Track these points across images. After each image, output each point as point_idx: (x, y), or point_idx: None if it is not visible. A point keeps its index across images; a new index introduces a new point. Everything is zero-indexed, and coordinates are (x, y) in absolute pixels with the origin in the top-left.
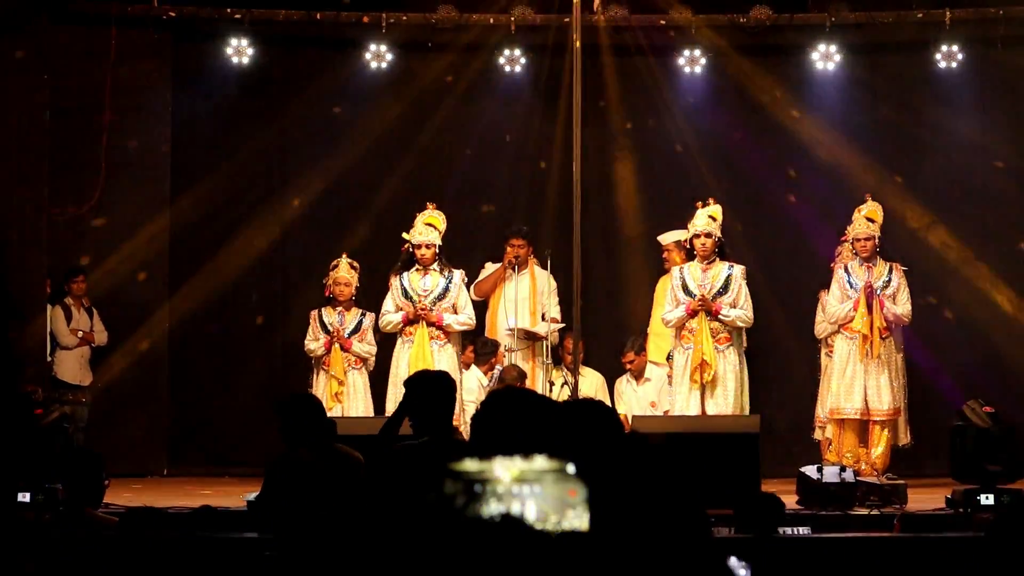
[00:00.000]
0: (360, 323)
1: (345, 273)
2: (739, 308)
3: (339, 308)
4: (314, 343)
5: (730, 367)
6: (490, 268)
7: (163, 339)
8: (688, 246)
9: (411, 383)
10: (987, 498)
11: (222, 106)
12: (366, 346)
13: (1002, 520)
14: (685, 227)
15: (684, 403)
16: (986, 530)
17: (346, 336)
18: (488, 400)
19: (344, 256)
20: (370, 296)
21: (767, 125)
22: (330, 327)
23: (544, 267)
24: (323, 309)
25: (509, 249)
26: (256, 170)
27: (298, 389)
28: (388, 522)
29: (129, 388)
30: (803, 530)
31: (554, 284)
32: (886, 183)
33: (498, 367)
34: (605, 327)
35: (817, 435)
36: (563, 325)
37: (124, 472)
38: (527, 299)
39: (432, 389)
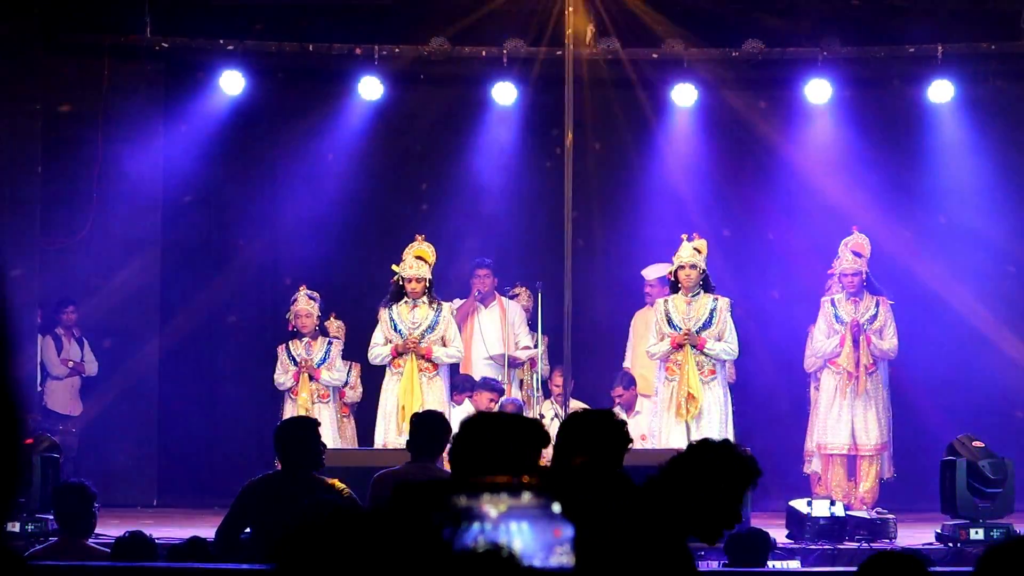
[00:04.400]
0: (328, 352)
1: (305, 305)
2: (724, 341)
3: (305, 339)
4: (283, 376)
5: (715, 400)
6: (459, 304)
7: (153, 370)
8: (672, 278)
9: (413, 420)
10: (977, 533)
11: (214, 137)
12: (335, 374)
13: (991, 555)
14: (668, 261)
15: (670, 435)
16: (975, 565)
17: (316, 366)
18: (463, 426)
19: (302, 288)
20: (359, 329)
21: (758, 158)
22: (298, 359)
23: (536, 298)
24: (290, 343)
25: (474, 281)
26: (247, 201)
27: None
28: (372, 550)
29: (119, 419)
30: (793, 564)
31: (524, 316)
32: (877, 216)
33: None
34: (595, 360)
35: (806, 469)
36: (538, 350)
37: (113, 503)
38: (498, 331)
39: (431, 426)
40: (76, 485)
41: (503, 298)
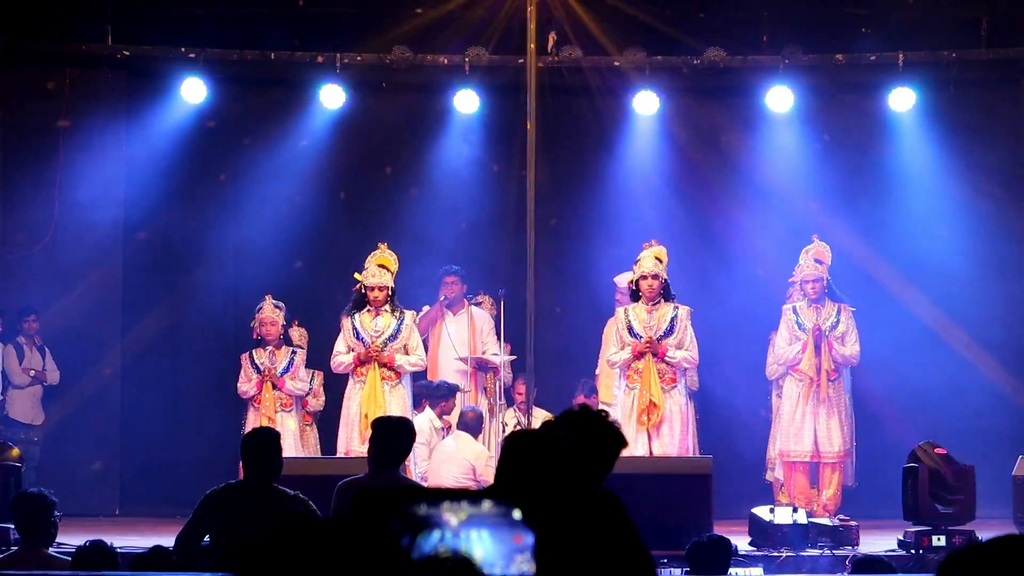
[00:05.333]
0: (291, 361)
1: (270, 313)
2: (684, 349)
3: (269, 348)
4: (246, 384)
5: (676, 407)
6: (426, 310)
7: (115, 379)
8: (633, 287)
9: (375, 425)
10: (939, 539)
11: (176, 145)
12: (298, 383)
13: (952, 561)
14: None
15: (631, 443)
16: (936, 571)
17: (279, 375)
18: (508, 442)
19: (268, 297)
20: (321, 336)
21: (720, 166)
22: (261, 367)
23: (498, 306)
24: (253, 351)
25: (443, 287)
26: (209, 209)
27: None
28: (332, 559)
29: (81, 427)
30: (755, 571)
31: (492, 324)
32: (838, 224)
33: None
34: (558, 368)
35: (769, 476)
36: (515, 356)
37: (75, 512)
38: (467, 339)
39: (394, 432)
40: (34, 495)
41: (472, 306)
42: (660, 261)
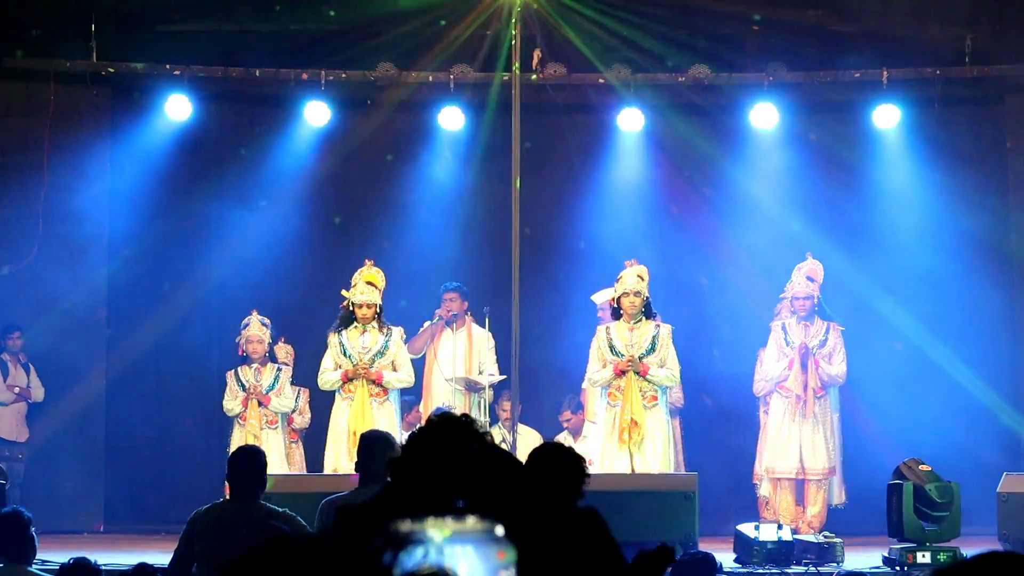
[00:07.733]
0: (277, 378)
1: (256, 330)
2: (666, 368)
3: (255, 365)
4: (232, 402)
5: (658, 425)
6: (427, 325)
7: (100, 395)
8: (615, 304)
9: (364, 441)
10: (924, 556)
11: (160, 162)
12: (284, 400)
13: None
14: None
15: (613, 460)
16: None
17: (264, 392)
18: (420, 430)
19: (254, 313)
20: (307, 353)
21: (705, 183)
22: (247, 384)
23: (483, 323)
24: (239, 368)
25: (443, 304)
26: (194, 226)
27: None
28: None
29: (65, 444)
30: None
31: (492, 342)
32: (824, 241)
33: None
34: (543, 385)
35: (757, 492)
36: (504, 377)
37: (60, 528)
38: (464, 356)
39: (381, 447)
40: (9, 512)
41: (474, 325)
42: (642, 279)
